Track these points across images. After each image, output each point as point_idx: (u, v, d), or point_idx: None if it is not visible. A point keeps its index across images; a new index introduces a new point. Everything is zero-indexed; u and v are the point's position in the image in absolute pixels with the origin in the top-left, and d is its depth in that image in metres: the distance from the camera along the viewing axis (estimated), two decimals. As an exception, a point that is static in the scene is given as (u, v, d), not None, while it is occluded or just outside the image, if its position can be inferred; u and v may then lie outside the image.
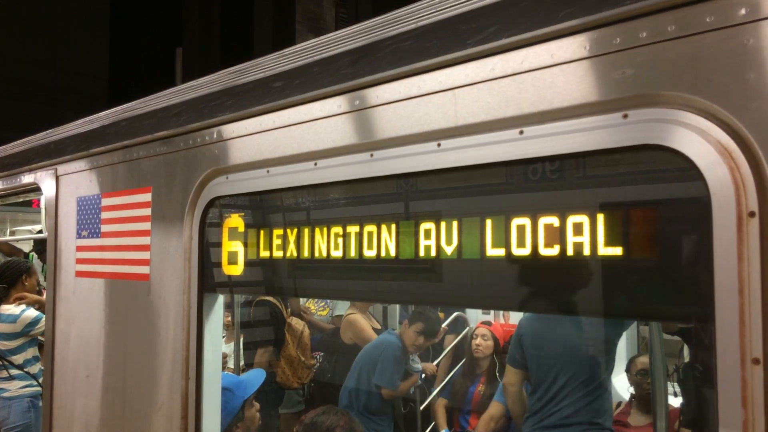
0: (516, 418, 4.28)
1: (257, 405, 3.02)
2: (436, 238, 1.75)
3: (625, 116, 1.35)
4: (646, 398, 4.06)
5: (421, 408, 5.53)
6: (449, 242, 1.73)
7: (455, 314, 6.16)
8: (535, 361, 3.90)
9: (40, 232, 5.15)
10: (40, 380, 4.92)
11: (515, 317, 5.70)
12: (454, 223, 1.71)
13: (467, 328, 6.18)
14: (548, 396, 3.73)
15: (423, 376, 5.61)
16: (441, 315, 6.27)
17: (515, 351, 4.04)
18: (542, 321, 3.90)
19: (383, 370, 4.91)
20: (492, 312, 6.34)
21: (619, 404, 4.68)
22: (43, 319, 4.87)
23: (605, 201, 1.45)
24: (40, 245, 6.71)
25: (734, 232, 1.19)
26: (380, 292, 2.05)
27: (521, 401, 4.17)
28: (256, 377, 3.04)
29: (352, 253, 1.98)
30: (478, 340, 5.43)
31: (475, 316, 6.35)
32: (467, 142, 1.63)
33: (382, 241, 1.90)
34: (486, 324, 5.73)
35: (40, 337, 4.92)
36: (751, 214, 1.17)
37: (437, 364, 5.99)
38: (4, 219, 7.50)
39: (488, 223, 1.64)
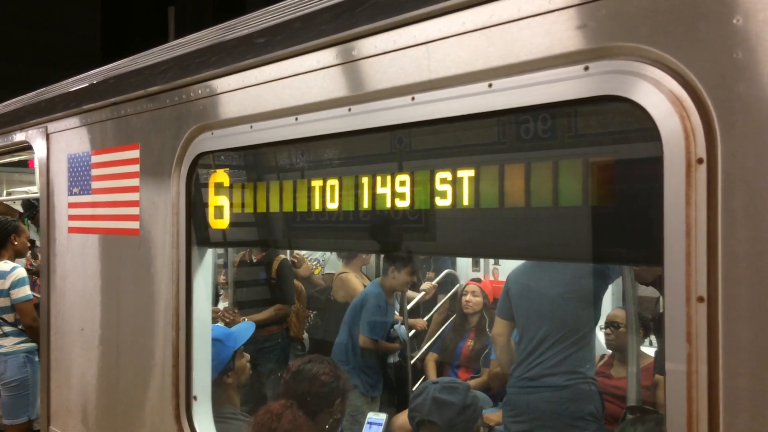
0: (504, 368, 4.42)
1: (247, 356, 3.12)
2: (411, 190, 1.82)
3: (587, 68, 1.39)
4: (624, 350, 4.18)
5: (412, 362, 5.67)
6: (426, 193, 1.80)
7: (445, 271, 6.26)
8: (520, 312, 4.01)
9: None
10: (37, 336, 5.02)
11: (504, 274, 5.81)
12: (428, 175, 1.78)
13: (457, 285, 6.29)
14: (532, 346, 3.85)
15: (413, 331, 5.75)
16: (431, 274, 6.38)
17: (503, 303, 4.17)
18: (527, 274, 4.00)
19: (365, 319, 5.03)
20: (482, 269, 6.45)
21: (603, 357, 4.82)
22: (25, 287, 4.95)
23: (568, 151, 1.51)
24: (30, 210, 6.74)
25: (683, 178, 1.25)
26: (358, 242, 2.12)
27: (509, 351, 4.30)
28: (245, 329, 3.13)
29: (333, 206, 2.05)
30: (468, 297, 5.54)
31: (465, 273, 6.46)
32: (440, 95, 1.68)
33: (362, 194, 1.96)
34: (476, 281, 5.85)
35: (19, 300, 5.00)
36: (700, 161, 1.23)
37: (428, 320, 6.12)
38: (0, 180, 7.52)
39: (461, 174, 1.71)
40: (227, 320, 4.86)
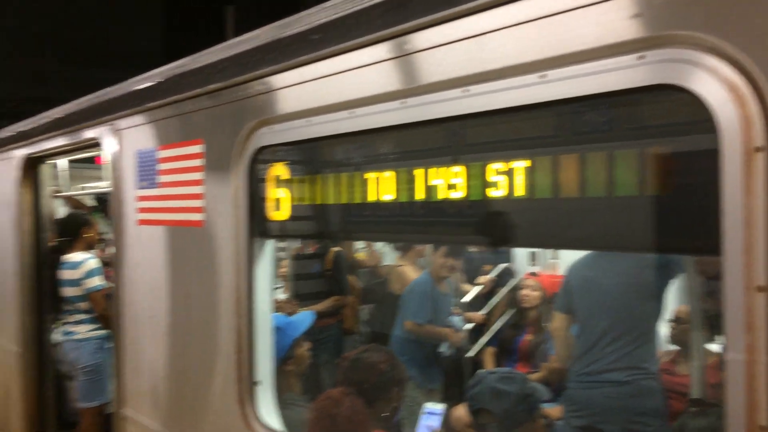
0: (563, 363, 4.37)
1: (307, 344, 3.20)
2: (467, 180, 1.84)
3: (642, 57, 1.38)
4: (688, 347, 4.07)
5: (469, 356, 5.66)
6: (480, 185, 1.81)
7: (502, 265, 6.23)
8: (581, 305, 3.96)
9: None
10: (109, 324, 5.24)
11: (561, 269, 5.73)
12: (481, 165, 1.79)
13: (514, 279, 6.24)
14: (592, 340, 3.80)
15: (472, 325, 5.75)
16: (488, 267, 6.35)
17: (562, 297, 4.12)
18: (588, 266, 3.94)
19: (410, 304, 5.05)
20: (539, 263, 6.38)
21: (667, 353, 4.69)
22: (95, 277, 5.17)
23: (624, 141, 1.50)
24: (100, 204, 7.05)
25: (742, 167, 1.23)
26: (411, 233, 2.15)
27: (568, 346, 4.25)
28: (305, 318, 3.22)
29: (387, 198, 2.09)
30: (526, 291, 5.50)
31: (522, 267, 6.41)
32: (493, 87, 1.69)
33: (416, 185, 1.99)
34: (533, 275, 5.79)
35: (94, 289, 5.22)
36: (758, 149, 1.21)
37: (487, 315, 6.10)
38: (74, 175, 7.86)
39: (516, 165, 1.71)
40: (288, 311, 4.98)
